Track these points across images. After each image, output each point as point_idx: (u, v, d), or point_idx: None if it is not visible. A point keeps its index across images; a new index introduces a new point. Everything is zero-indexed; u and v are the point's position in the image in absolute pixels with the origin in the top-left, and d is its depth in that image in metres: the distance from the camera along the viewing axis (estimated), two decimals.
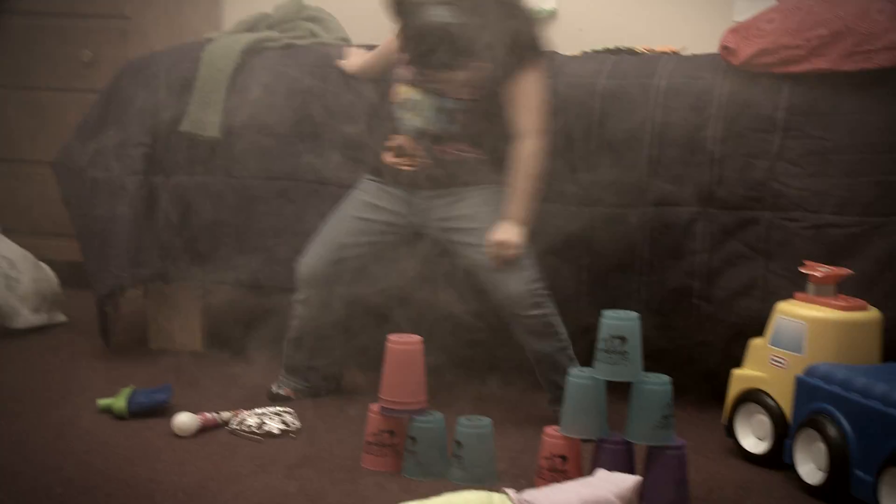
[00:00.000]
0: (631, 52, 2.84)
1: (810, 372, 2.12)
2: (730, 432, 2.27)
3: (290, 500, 1.96)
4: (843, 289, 2.23)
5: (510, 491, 1.85)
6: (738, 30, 2.54)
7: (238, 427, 2.29)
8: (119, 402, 2.35)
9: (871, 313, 2.20)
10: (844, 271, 2.24)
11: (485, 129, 2.37)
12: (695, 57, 2.69)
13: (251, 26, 2.95)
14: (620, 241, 2.51)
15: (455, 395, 2.48)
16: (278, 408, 2.35)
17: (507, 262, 2.34)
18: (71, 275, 3.19)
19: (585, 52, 2.85)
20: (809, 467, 2.09)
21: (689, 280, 2.48)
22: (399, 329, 2.22)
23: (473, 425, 2.09)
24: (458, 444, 2.09)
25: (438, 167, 2.38)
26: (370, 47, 2.72)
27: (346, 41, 2.98)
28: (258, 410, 2.32)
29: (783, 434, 2.16)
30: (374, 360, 2.24)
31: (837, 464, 2.01)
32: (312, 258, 2.46)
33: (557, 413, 2.35)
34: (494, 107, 2.37)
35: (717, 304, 2.47)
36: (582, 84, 2.56)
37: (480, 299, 2.44)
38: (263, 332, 2.56)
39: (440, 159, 2.38)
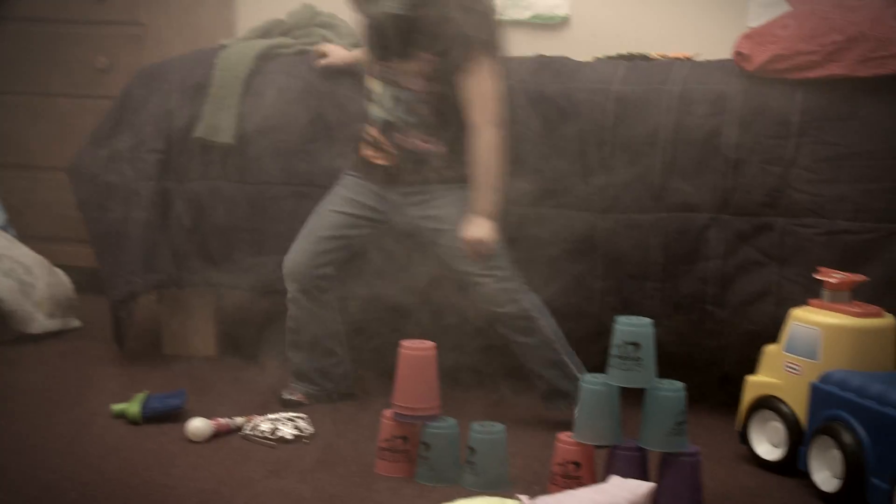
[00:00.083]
0: (644, 57, 2.84)
1: (825, 379, 2.11)
2: (744, 439, 2.26)
3: None
4: (857, 295, 2.23)
5: (523, 497, 1.84)
6: (753, 35, 2.54)
7: (251, 432, 2.29)
8: (133, 407, 2.36)
9: (887, 320, 2.18)
10: (859, 277, 2.23)
11: (443, 121, 2.38)
12: (708, 63, 2.69)
13: (265, 32, 2.96)
14: (634, 247, 2.50)
15: (468, 400, 2.48)
16: (291, 413, 2.35)
17: (482, 258, 2.35)
18: (85, 280, 3.20)
19: (598, 58, 2.85)
20: (825, 475, 2.08)
21: (703, 286, 2.48)
22: (412, 334, 2.22)
23: (487, 431, 2.09)
24: (472, 450, 2.09)
25: (404, 160, 2.41)
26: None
27: (359, 47, 2.98)
28: (271, 416, 2.33)
29: (798, 441, 2.15)
30: (387, 365, 2.24)
31: (853, 471, 2.00)
32: (293, 253, 2.49)
33: (553, 410, 2.34)
34: (452, 99, 2.37)
35: (732, 311, 2.47)
36: (595, 90, 2.56)
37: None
38: (277, 337, 2.57)
39: (404, 150, 2.40)
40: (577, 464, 2.04)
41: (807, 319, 2.18)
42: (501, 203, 2.37)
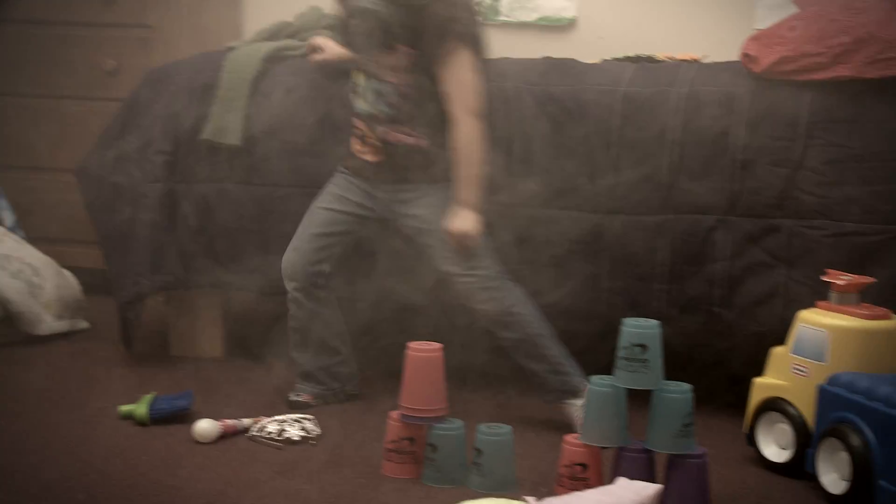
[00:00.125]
0: (651, 59, 2.84)
1: (833, 381, 2.11)
2: (751, 441, 2.26)
3: None
4: (865, 297, 2.22)
5: (530, 499, 1.84)
6: (760, 37, 2.53)
7: (258, 434, 2.30)
8: (140, 408, 2.36)
9: (895, 322, 2.18)
10: (867, 279, 2.22)
11: (424, 115, 2.39)
12: (716, 64, 2.69)
13: (272, 35, 2.96)
14: (642, 249, 2.50)
15: (475, 402, 2.48)
16: (298, 415, 2.36)
17: (467, 250, 2.37)
18: (93, 281, 3.21)
19: (606, 60, 2.85)
20: (832, 477, 2.07)
21: (710, 287, 2.47)
22: (420, 335, 2.22)
23: (493, 433, 2.09)
24: (478, 451, 2.09)
25: (388, 154, 2.42)
26: None
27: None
28: (279, 417, 2.33)
29: (805, 443, 2.15)
30: (394, 366, 2.24)
31: (861, 473, 1.99)
32: (289, 253, 2.52)
33: (551, 404, 2.33)
34: (433, 93, 2.37)
35: (739, 312, 2.46)
36: (603, 92, 2.56)
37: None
38: (284, 339, 2.57)
39: (388, 143, 2.42)
40: (583, 465, 2.04)
41: (814, 321, 2.18)
42: (484, 195, 2.38)
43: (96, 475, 2.07)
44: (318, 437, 2.30)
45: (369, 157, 2.45)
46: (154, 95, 2.82)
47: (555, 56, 2.80)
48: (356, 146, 2.48)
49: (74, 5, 3.34)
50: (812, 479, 2.12)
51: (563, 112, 2.56)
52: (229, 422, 2.32)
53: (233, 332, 2.90)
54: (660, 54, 2.91)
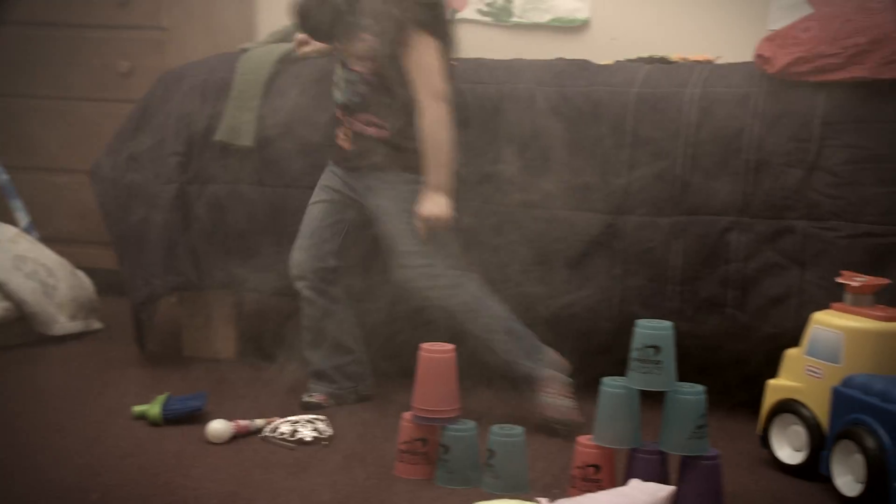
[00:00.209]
0: (665, 60, 2.83)
1: (847, 383, 2.10)
2: (765, 443, 2.25)
3: None
4: (880, 298, 2.21)
5: (543, 500, 1.84)
6: (774, 38, 2.53)
7: (271, 434, 2.30)
8: (154, 408, 2.37)
9: None
10: (882, 281, 2.21)
11: (389, 104, 2.40)
12: (729, 66, 2.68)
13: (285, 36, 2.97)
14: (655, 250, 2.50)
15: (488, 403, 2.48)
16: (311, 415, 2.36)
17: (435, 235, 2.39)
18: (107, 282, 3.22)
19: (619, 61, 2.85)
20: (847, 479, 2.06)
21: (723, 289, 2.47)
22: (432, 336, 2.22)
23: (506, 434, 2.09)
24: (491, 452, 2.08)
25: (357, 143, 2.45)
26: None
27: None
28: (292, 418, 2.33)
29: (819, 445, 2.14)
30: (407, 367, 2.24)
31: (876, 476, 1.98)
32: (294, 253, 2.55)
33: (529, 400, 2.34)
34: (398, 82, 2.38)
35: (753, 314, 2.45)
36: (616, 93, 2.56)
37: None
38: (297, 340, 2.57)
39: (356, 133, 2.45)
40: (596, 467, 2.03)
41: (829, 323, 2.17)
42: (454, 178, 2.39)
43: (110, 475, 2.08)
44: (330, 438, 2.30)
45: (345, 146, 2.49)
46: (168, 97, 2.83)
47: (568, 57, 2.80)
48: (338, 135, 2.52)
49: (89, 7, 3.36)
50: (826, 481, 2.11)
51: (576, 113, 2.56)
52: (242, 422, 2.32)
53: (246, 332, 2.90)
54: (673, 55, 2.90)
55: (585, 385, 2.31)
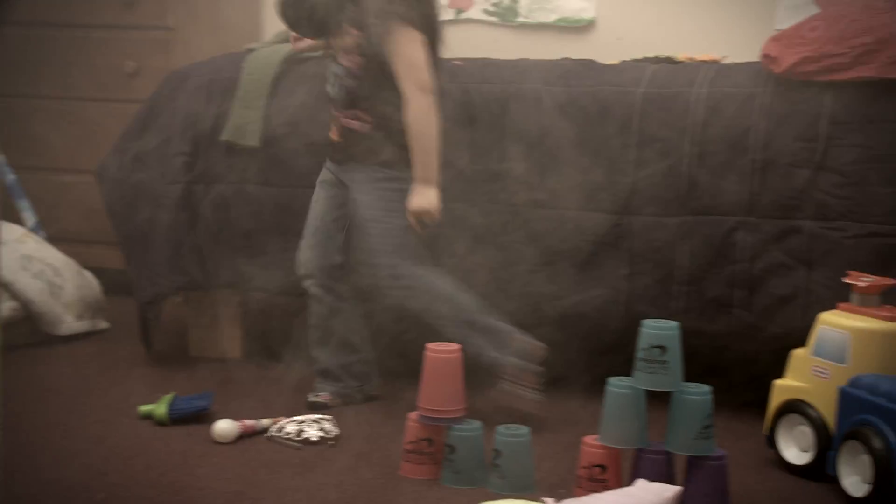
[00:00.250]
0: (671, 60, 2.83)
1: (854, 383, 2.10)
2: (771, 443, 2.25)
3: None
4: (887, 299, 2.20)
5: (549, 500, 1.84)
6: (781, 38, 2.52)
7: (277, 434, 2.30)
8: (160, 408, 2.37)
9: None
10: (889, 281, 2.21)
11: (372, 98, 2.42)
12: (736, 65, 2.67)
13: (291, 37, 2.97)
14: (661, 250, 2.49)
15: (494, 403, 2.47)
16: (317, 415, 2.36)
17: (426, 227, 2.40)
18: (113, 282, 3.23)
19: (625, 61, 2.84)
20: (854, 480, 2.06)
21: (729, 289, 2.46)
22: (438, 337, 2.22)
23: (512, 434, 2.09)
24: (497, 452, 2.08)
25: (343, 137, 2.47)
26: None
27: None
28: (297, 418, 2.33)
29: (826, 446, 2.14)
30: (413, 367, 2.24)
31: (883, 476, 1.98)
32: (300, 252, 2.56)
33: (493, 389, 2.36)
34: (382, 76, 2.39)
35: (759, 314, 2.45)
36: (622, 92, 2.56)
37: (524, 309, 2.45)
38: (303, 339, 2.57)
39: (342, 127, 2.47)
40: (602, 467, 2.03)
41: (836, 323, 2.17)
42: (440, 169, 2.40)
43: (116, 474, 2.08)
44: (336, 438, 2.31)
45: (335, 139, 2.51)
46: (174, 97, 2.83)
47: (574, 57, 2.80)
48: (331, 129, 2.53)
49: (95, 8, 3.36)
50: (833, 481, 2.10)
51: (582, 113, 2.55)
52: (248, 422, 2.32)
53: (252, 332, 2.90)
54: (679, 55, 2.90)
55: (592, 385, 2.31)
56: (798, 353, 2.24)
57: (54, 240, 3.22)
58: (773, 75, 2.51)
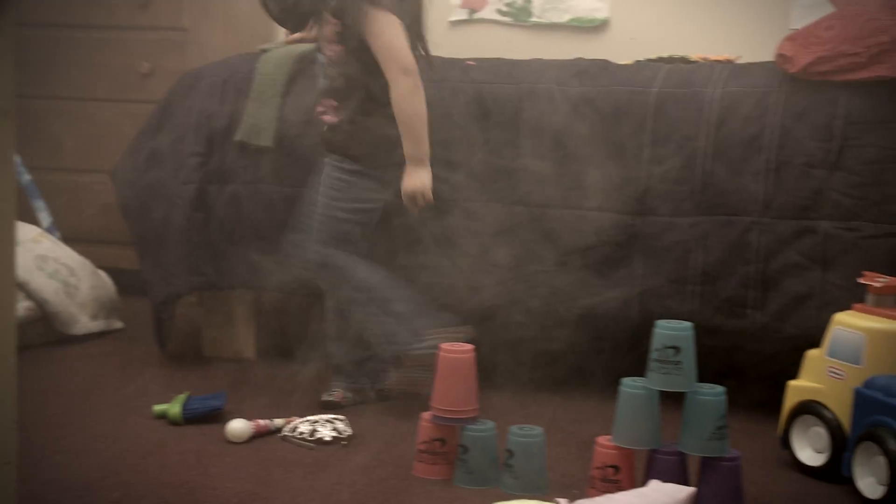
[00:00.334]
0: (685, 60, 2.82)
1: (869, 384, 2.09)
2: (786, 444, 2.24)
3: None
4: None
5: (562, 501, 1.84)
6: (796, 37, 2.51)
7: (290, 434, 2.30)
8: (174, 408, 2.38)
9: None
10: None
11: (348, 88, 2.44)
12: (750, 65, 2.66)
13: (304, 36, 2.98)
14: (675, 251, 2.49)
15: (507, 403, 2.47)
16: (330, 415, 2.36)
17: (421, 207, 2.45)
18: (128, 282, 3.24)
19: (638, 61, 2.84)
20: (869, 481, 2.05)
21: (744, 290, 2.45)
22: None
23: (525, 434, 2.09)
24: (510, 453, 2.08)
25: (325, 127, 2.51)
26: None
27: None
28: (311, 418, 2.34)
29: (841, 447, 2.13)
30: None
31: None
32: (292, 234, 2.58)
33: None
34: (358, 65, 2.42)
35: (773, 315, 2.44)
36: (635, 92, 2.55)
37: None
38: (316, 339, 2.58)
39: (322, 117, 2.51)
40: (616, 468, 2.02)
41: (850, 324, 2.16)
42: (428, 146, 2.43)
43: (130, 473, 2.09)
44: (349, 438, 2.31)
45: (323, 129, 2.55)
46: (188, 97, 2.84)
47: (587, 57, 2.79)
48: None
49: (110, 9, 3.37)
50: (848, 483, 2.09)
51: (596, 113, 2.55)
52: (262, 422, 2.33)
53: (266, 332, 2.91)
54: (693, 55, 2.89)
55: (605, 385, 2.30)
56: (813, 354, 2.23)
57: (69, 240, 3.23)
58: (787, 75, 2.50)
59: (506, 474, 2.09)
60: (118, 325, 3.16)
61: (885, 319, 2.14)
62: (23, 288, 2.95)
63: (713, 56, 2.89)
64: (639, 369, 2.09)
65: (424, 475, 2.14)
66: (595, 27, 3.45)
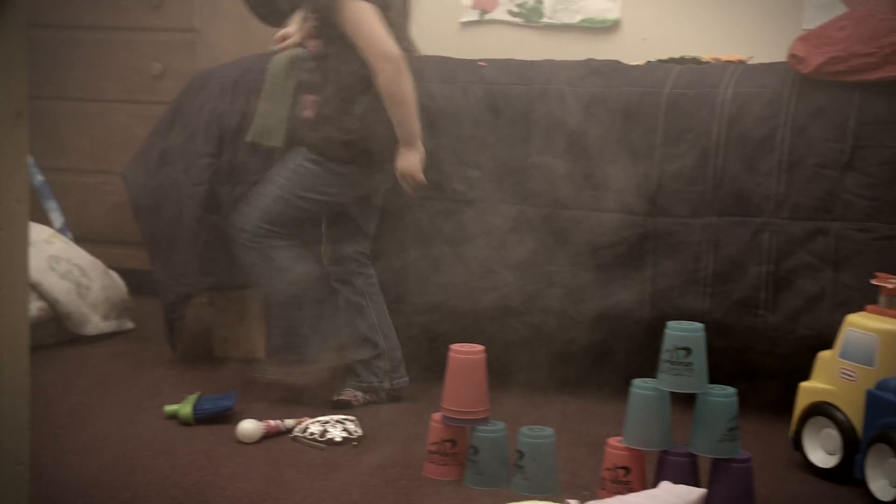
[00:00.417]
0: (696, 61, 2.82)
1: (882, 385, 2.08)
2: (797, 446, 2.23)
3: None
4: None
5: (572, 502, 1.83)
6: (808, 38, 2.50)
7: (301, 434, 2.31)
8: (185, 408, 2.38)
9: None
10: None
11: (324, 83, 2.45)
12: (762, 66, 2.66)
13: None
14: (686, 251, 2.48)
15: (518, 404, 2.47)
16: (341, 416, 2.36)
17: (414, 187, 2.47)
18: (139, 282, 3.25)
19: (650, 62, 2.83)
20: (882, 483, 2.04)
21: (755, 291, 2.45)
22: (462, 337, 2.22)
23: (536, 435, 2.08)
24: (520, 454, 2.08)
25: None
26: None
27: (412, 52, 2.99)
28: (321, 418, 2.34)
29: (853, 449, 2.12)
30: (437, 368, 2.24)
31: None
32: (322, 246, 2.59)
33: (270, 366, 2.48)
34: (337, 59, 2.43)
35: (785, 316, 2.43)
36: (647, 93, 2.55)
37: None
38: (327, 339, 2.58)
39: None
40: (626, 469, 2.02)
41: (863, 325, 2.15)
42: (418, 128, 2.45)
43: (141, 473, 2.09)
44: (360, 439, 2.31)
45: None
46: (199, 98, 2.84)
47: (599, 58, 2.79)
48: None
49: (121, 10, 3.39)
50: (860, 485, 2.08)
51: (607, 114, 2.55)
52: (272, 422, 2.33)
53: None
54: (705, 55, 2.88)
55: (616, 386, 2.30)
56: (825, 356, 2.22)
57: (81, 240, 3.24)
58: (800, 75, 2.49)
59: (516, 475, 2.08)
60: (129, 325, 3.16)
61: None
62: (35, 288, 2.96)
63: (725, 56, 2.88)
64: (650, 370, 2.09)
65: (435, 476, 2.13)
66: (606, 28, 3.45)
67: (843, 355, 2.17)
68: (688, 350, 2.00)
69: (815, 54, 2.45)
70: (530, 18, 3.51)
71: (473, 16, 3.57)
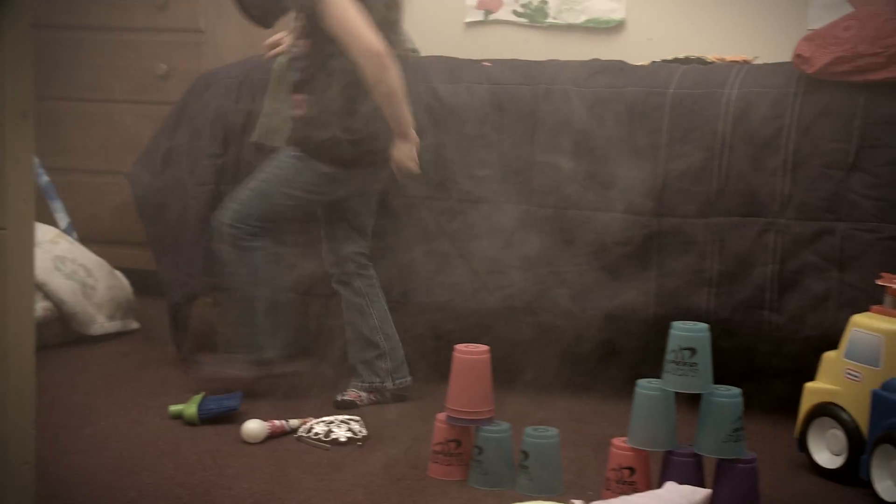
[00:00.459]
0: (701, 61, 2.81)
1: (887, 386, 2.07)
2: (802, 446, 2.22)
3: None
4: None
5: (577, 502, 1.83)
6: (813, 38, 2.50)
7: (305, 435, 2.31)
8: (190, 408, 2.39)
9: None
10: None
11: (311, 81, 2.46)
12: (767, 66, 2.65)
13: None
14: (691, 252, 2.48)
15: (522, 404, 2.47)
16: (346, 416, 2.36)
17: (410, 177, 2.48)
18: (144, 283, 3.25)
19: (655, 62, 2.83)
20: (887, 484, 2.03)
21: (760, 291, 2.44)
22: (467, 338, 2.22)
23: (540, 435, 2.08)
24: (525, 454, 2.08)
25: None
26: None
27: (415, 52, 3.00)
28: (326, 418, 2.34)
29: (859, 449, 2.11)
30: (442, 368, 2.24)
31: None
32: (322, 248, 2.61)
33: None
34: (323, 58, 2.43)
35: (790, 316, 2.43)
36: (652, 93, 2.54)
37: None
38: (330, 340, 2.58)
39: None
40: (631, 469, 2.02)
41: (868, 326, 2.14)
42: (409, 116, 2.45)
43: (146, 473, 2.09)
44: (364, 439, 2.31)
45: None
46: (204, 99, 2.85)
47: (603, 58, 2.79)
48: None
49: (127, 11, 3.39)
50: (866, 486, 2.08)
51: (612, 114, 2.55)
52: (277, 422, 2.33)
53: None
54: (710, 56, 2.88)
55: (621, 386, 2.30)
56: (830, 356, 2.22)
57: (86, 241, 3.24)
58: (805, 76, 2.48)
59: (521, 475, 2.08)
60: (134, 325, 3.17)
61: None
62: (41, 288, 2.96)
63: (730, 57, 2.88)
64: (655, 370, 2.09)
65: (439, 476, 2.13)
66: (611, 28, 3.45)
67: (848, 356, 2.17)
68: (693, 350, 2.00)
69: (820, 54, 2.45)
70: (535, 19, 3.51)
71: (478, 16, 3.57)
